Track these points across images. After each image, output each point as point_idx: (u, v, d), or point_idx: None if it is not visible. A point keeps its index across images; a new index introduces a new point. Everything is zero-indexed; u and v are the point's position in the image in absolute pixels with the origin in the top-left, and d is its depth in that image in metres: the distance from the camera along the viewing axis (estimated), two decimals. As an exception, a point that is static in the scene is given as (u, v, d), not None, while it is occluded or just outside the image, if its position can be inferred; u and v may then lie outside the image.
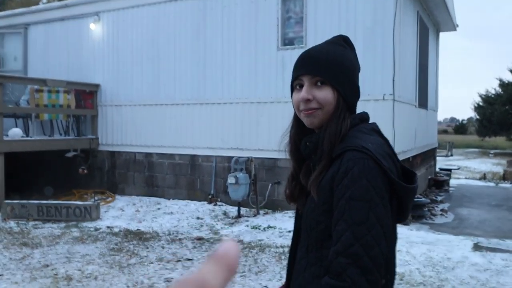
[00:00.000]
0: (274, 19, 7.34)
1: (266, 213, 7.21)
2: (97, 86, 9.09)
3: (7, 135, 7.85)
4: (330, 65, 1.27)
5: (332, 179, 1.19)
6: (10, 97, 8.83)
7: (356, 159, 1.16)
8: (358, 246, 1.10)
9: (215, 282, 0.36)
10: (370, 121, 1.34)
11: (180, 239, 5.84)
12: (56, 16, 9.59)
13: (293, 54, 7.22)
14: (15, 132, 7.79)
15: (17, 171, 9.12)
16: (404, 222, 1.59)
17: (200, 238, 5.87)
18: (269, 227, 6.34)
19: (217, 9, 7.84)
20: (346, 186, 1.14)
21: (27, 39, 10.04)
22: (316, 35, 7.00)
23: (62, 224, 6.61)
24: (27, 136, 8.42)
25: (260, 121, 7.53)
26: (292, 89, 1.34)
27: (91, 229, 6.33)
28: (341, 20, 6.88)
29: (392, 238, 1.22)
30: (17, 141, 7.71)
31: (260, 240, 5.73)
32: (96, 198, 8.19)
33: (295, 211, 1.42)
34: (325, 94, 1.27)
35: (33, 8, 10.03)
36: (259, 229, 6.31)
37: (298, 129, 1.36)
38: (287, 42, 7.34)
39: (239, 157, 7.42)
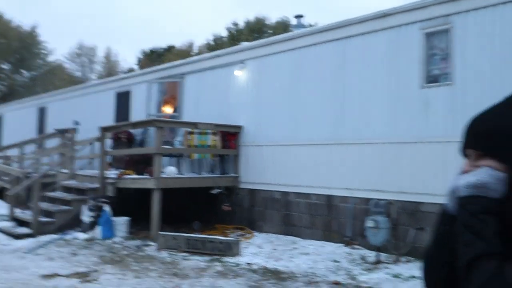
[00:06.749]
0: (416, 56, 7.07)
1: (408, 261, 6.73)
2: (240, 127, 9.72)
3: (163, 172, 8.79)
4: (493, 137, 1.06)
5: None
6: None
7: None
8: None
9: None
10: None
11: (317, 282, 5.76)
12: (208, 65, 10.62)
13: (438, 92, 6.82)
14: (171, 170, 8.68)
15: (169, 205, 10.08)
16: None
17: (337, 283, 5.71)
18: (412, 276, 5.89)
19: (356, 50, 7.86)
20: None
21: (183, 87, 11.24)
22: (465, 71, 6.52)
23: (207, 257, 7.04)
24: (180, 173, 9.32)
25: (401, 162, 7.18)
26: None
27: (232, 264, 6.62)
28: (494, 55, 6.32)
29: None
30: (172, 178, 8.58)
31: (402, 291, 5.35)
32: (236, 234, 8.59)
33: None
34: (494, 165, 1.05)
35: (189, 59, 11.31)
36: (401, 278, 5.90)
37: None
38: (431, 79, 6.98)
39: (379, 200, 7.14)
